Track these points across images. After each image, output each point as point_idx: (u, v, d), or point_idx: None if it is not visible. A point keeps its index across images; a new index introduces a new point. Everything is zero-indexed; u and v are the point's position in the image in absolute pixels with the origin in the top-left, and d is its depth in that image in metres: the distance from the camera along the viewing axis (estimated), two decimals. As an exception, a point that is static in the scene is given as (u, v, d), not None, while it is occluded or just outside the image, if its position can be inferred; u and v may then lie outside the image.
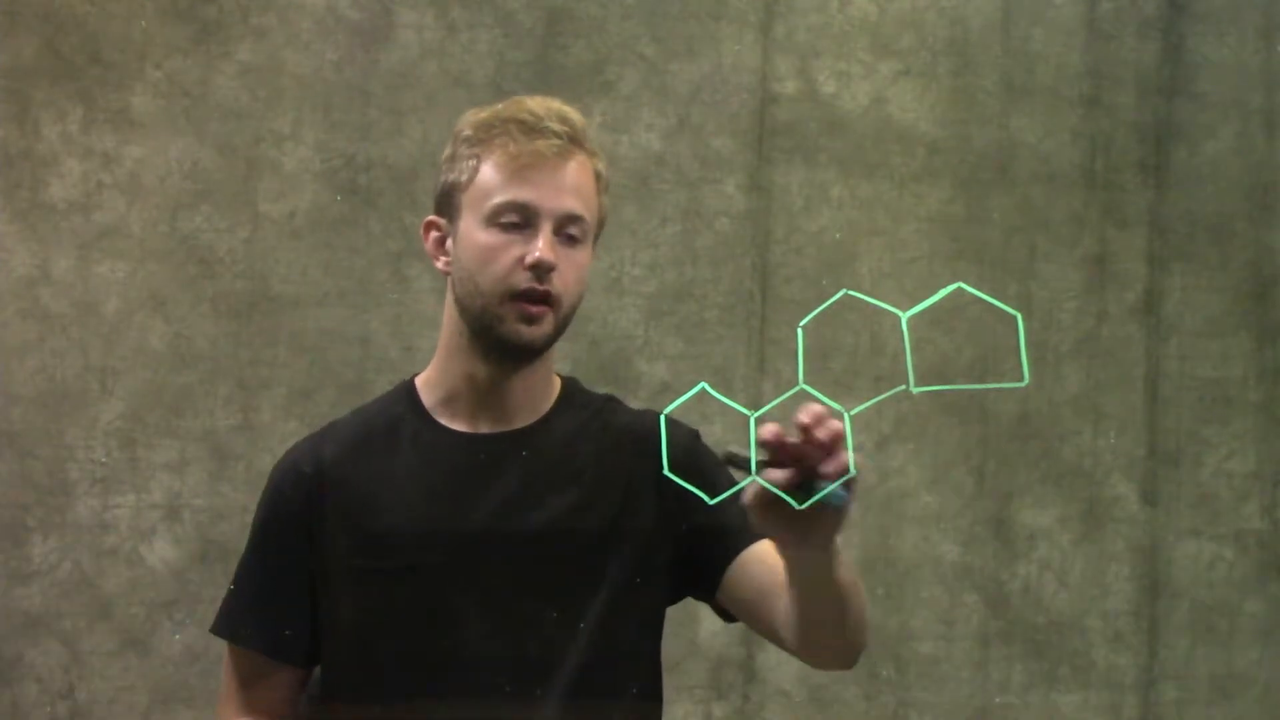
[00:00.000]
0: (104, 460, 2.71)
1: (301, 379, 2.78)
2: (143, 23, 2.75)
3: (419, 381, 1.64)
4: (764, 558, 1.55)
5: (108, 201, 2.72)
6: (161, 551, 2.71)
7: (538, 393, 1.61)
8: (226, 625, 1.63)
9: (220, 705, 1.64)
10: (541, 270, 1.51)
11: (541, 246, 1.51)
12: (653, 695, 1.63)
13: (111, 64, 2.73)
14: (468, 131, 1.57)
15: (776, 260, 2.97)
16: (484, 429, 1.59)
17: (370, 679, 1.56)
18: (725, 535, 1.54)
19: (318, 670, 1.64)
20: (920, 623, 3.01)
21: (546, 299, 1.52)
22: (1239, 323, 3.17)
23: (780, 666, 2.94)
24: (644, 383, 2.89)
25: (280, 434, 2.75)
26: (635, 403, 2.79)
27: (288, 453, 1.65)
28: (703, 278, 2.94)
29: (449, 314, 1.59)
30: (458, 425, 1.59)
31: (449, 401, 1.60)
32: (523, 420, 1.60)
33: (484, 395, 1.58)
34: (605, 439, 1.62)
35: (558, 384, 1.66)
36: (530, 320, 1.52)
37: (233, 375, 2.76)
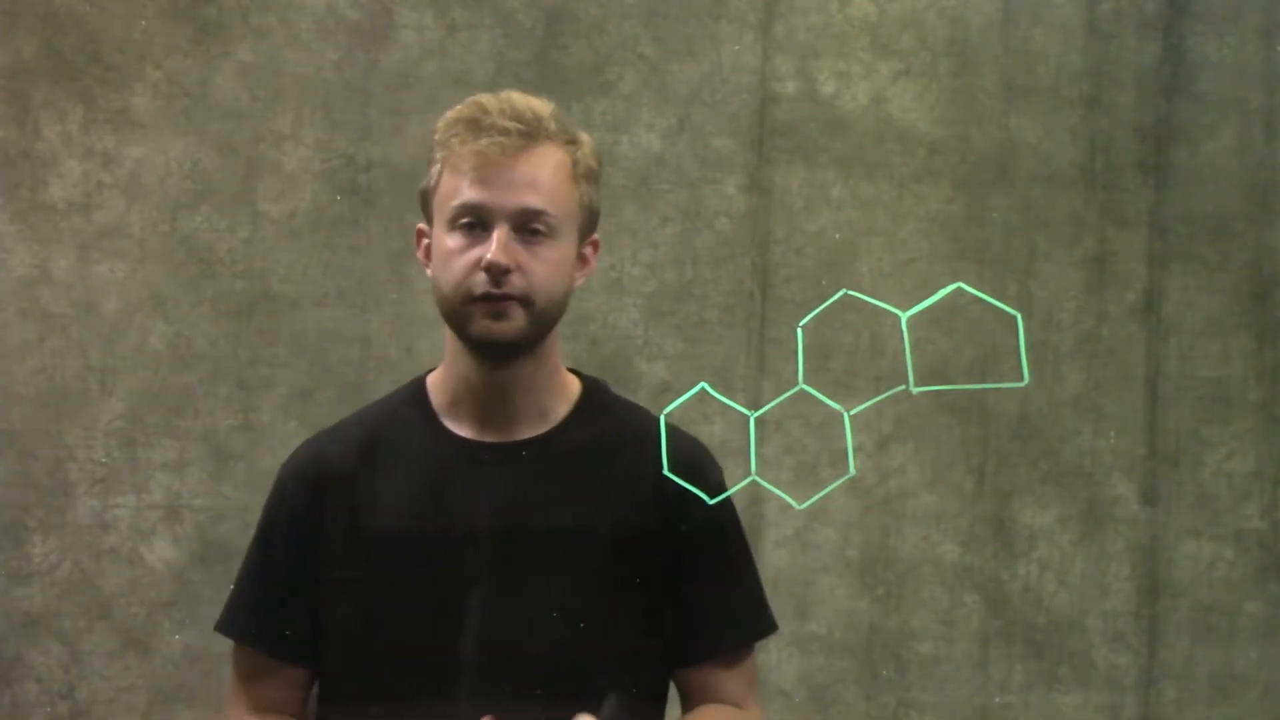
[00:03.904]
0: (104, 460, 2.71)
1: (301, 379, 2.78)
2: (143, 23, 2.75)
3: (430, 382, 1.63)
4: (703, 688, 1.61)
5: (108, 201, 2.72)
6: (161, 551, 2.71)
7: (543, 397, 1.59)
8: (230, 623, 1.62)
9: (227, 703, 1.64)
10: (495, 273, 1.48)
11: (494, 249, 1.48)
12: (656, 697, 1.63)
13: (111, 64, 2.73)
14: (435, 135, 1.56)
15: (776, 260, 2.97)
16: (489, 435, 1.58)
17: (366, 681, 1.55)
18: (690, 636, 1.59)
19: None
20: (920, 623, 3.01)
21: (507, 299, 1.49)
22: (1239, 323, 3.17)
23: (780, 666, 2.94)
24: (644, 383, 2.89)
25: (280, 434, 2.76)
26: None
27: (295, 452, 1.64)
28: (703, 278, 2.94)
29: None
30: (463, 430, 1.58)
31: (454, 404, 1.59)
32: (530, 428, 1.58)
33: (483, 398, 1.57)
34: (623, 455, 1.60)
35: (576, 387, 1.63)
36: (497, 315, 1.50)
37: (233, 375, 2.76)
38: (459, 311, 1.51)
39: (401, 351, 2.81)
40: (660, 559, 1.58)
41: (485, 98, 1.54)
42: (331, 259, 2.80)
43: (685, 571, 1.59)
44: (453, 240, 1.51)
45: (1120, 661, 3.09)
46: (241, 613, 1.61)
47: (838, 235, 3.01)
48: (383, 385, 2.76)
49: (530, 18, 2.89)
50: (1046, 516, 3.07)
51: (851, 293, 1.26)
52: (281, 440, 2.75)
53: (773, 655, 2.91)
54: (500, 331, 1.51)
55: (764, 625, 1.66)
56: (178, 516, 2.73)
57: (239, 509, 2.73)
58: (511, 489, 1.56)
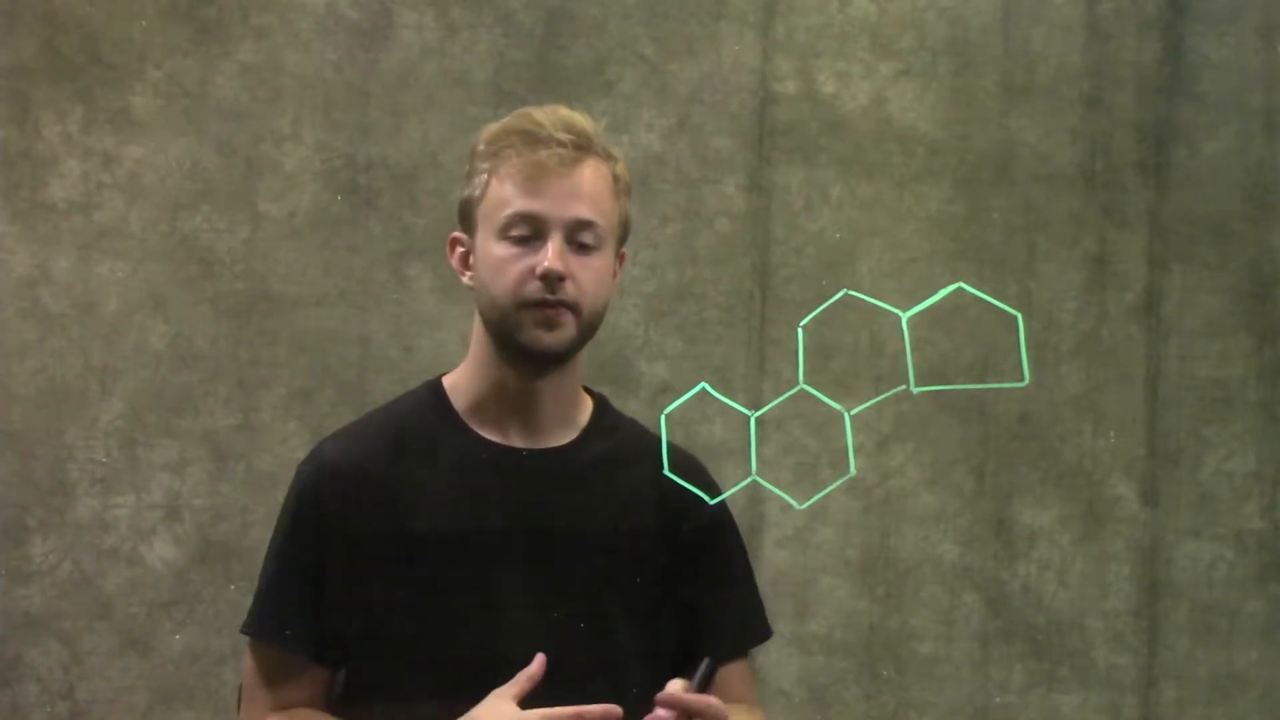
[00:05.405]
0: (104, 460, 2.71)
1: (301, 379, 2.78)
2: (143, 23, 2.75)
3: (447, 384, 1.65)
4: (724, 685, 1.62)
5: (108, 201, 2.72)
6: (161, 551, 2.71)
7: (569, 406, 1.64)
8: (256, 624, 1.60)
9: (245, 705, 1.62)
10: (551, 280, 1.52)
11: (550, 257, 1.52)
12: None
13: (111, 64, 2.73)
14: (480, 146, 1.59)
15: (776, 260, 2.97)
16: (516, 441, 1.61)
17: (390, 679, 1.57)
18: (695, 639, 1.62)
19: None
20: (920, 623, 3.01)
21: (561, 306, 1.53)
22: (1239, 323, 3.17)
23: (780, 666, 2.94)
24: (644, 383, 2.89)
25: (280, 434, 2.75)
26: (635, 403, 2.80)
27: (313, 452, 1.64)
28: (703, 278, 2.94)
29: (477, 325, 1.61)
30: (489, 434, 1.61)
31: (479, 408, 1.61)
32: (556, 437, 1.62)
33: (514, 404, 1.60)
34: (636, 468, 1.64)
35: (589, 400, 1.68)
36: (549, 325, 1.54)
37: (233, 375, 2.76)
38: (510, 318, 1.54)
39: (401, 351, 2.81)
40: (670, 565, 1.63)
41: (534, 110, 1.59)
42: (331, 259, 2.80)
43: (690, 578, 1.64)
44: (503, 249, 1.55)
45: (1120, 661, 3.09)
46: (267, 612, 1.60)
47: (838, 235, 3.01)
48: (383, 385, 2.76)
49: (530, 18, 2.89)
50: (1046, 516, 3.07)
51: (851, 293, 1.27)
52: (281, 440, 2.76)
53: (773, 655, 2.92)
54: (550, 341, 1.54)
55: (762, 631, 1.73)
56: (178, 516, 2.72)
57: (239, 509, 2.72)
58: (544, 494, 1.59)
